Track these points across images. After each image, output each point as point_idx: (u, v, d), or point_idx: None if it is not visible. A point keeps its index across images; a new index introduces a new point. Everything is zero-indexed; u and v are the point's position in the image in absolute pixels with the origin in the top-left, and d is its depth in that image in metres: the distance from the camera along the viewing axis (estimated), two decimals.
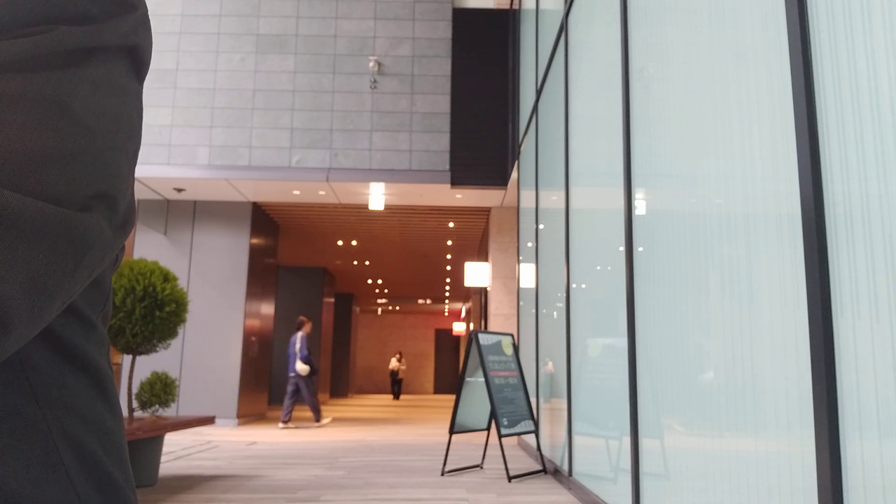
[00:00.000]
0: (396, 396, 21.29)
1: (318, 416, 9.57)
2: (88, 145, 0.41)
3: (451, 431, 5.15)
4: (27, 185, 0.37)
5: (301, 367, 9.34)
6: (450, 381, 26.45)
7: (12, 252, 0.35)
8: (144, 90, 8.49)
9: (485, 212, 10.02)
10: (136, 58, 0.47)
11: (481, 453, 6.50)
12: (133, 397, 4.71)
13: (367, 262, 15.16)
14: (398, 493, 4.22)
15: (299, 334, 9.55)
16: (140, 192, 9.14)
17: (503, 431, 4.91)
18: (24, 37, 0.39)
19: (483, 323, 11.35)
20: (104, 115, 0.42)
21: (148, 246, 9.36)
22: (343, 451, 6.47)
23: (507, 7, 9.03)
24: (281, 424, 9.05)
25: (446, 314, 26.62)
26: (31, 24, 0.40)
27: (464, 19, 8.88)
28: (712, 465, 2.16)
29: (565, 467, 4.65)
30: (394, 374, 21.67)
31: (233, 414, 9.04)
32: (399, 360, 21.84)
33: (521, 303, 7.50)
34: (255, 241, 9.70)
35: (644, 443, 2.87)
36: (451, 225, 11.03)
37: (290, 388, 9.34)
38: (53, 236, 0.38)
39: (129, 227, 0.47)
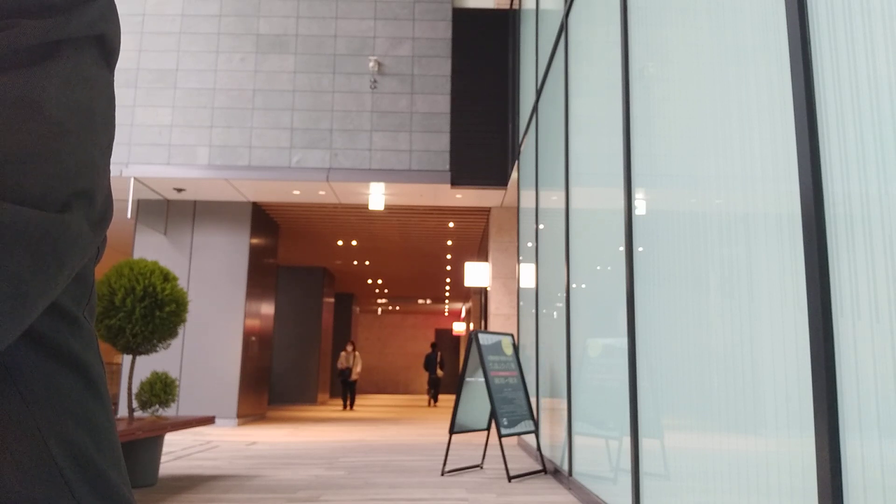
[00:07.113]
0: (347, 405, 14.64)
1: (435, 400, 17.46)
2: (62, 143, 0.39)
3: (451, 431, 5.15)
4: (3, 188, 0.36)
5: (439, 372, 17.81)
6: (450, 381, 26.44)
7: None
8: (144, 90, 8.49)
9: (485, 212, 10.02)
10: (105, 46, 0.46)
11: (481, 453, 6.50)
12: (133, 397, 4.71)
13: (367, 262, 15.16)
14: (398, 493, 4.22)
15: (438, 353, 17.80)
16: (140, 192, 9.14)
17: (503, 431, 4.91)
18: None
19: (483, 323, 11.35)
20: (76, 109, 0.41)
21: (148, 246, 9.36)
22: (343, 451, 6.47)
23: (507, 7, 9.03)
24: (434, 403, 17.29)
25: (446, 314, 26.62)
26: None
27: (464, 19, 8.87)
28: (712, 465, 2.16)
29: (565, 467, 4.65)
30: (343, 373, 14.97)
31: (233, 414, 9.05)
32: (350, 354, 15.08)
33: (521, 303, 7.49)
34: (255, 241, 9.70)
35: (644, 443, 2.87)
36: (451, 225, 11.03)
37: (430, 384, 17.74)
38: (34, 241, 0.37)
39: (107, 220, 0.46)
